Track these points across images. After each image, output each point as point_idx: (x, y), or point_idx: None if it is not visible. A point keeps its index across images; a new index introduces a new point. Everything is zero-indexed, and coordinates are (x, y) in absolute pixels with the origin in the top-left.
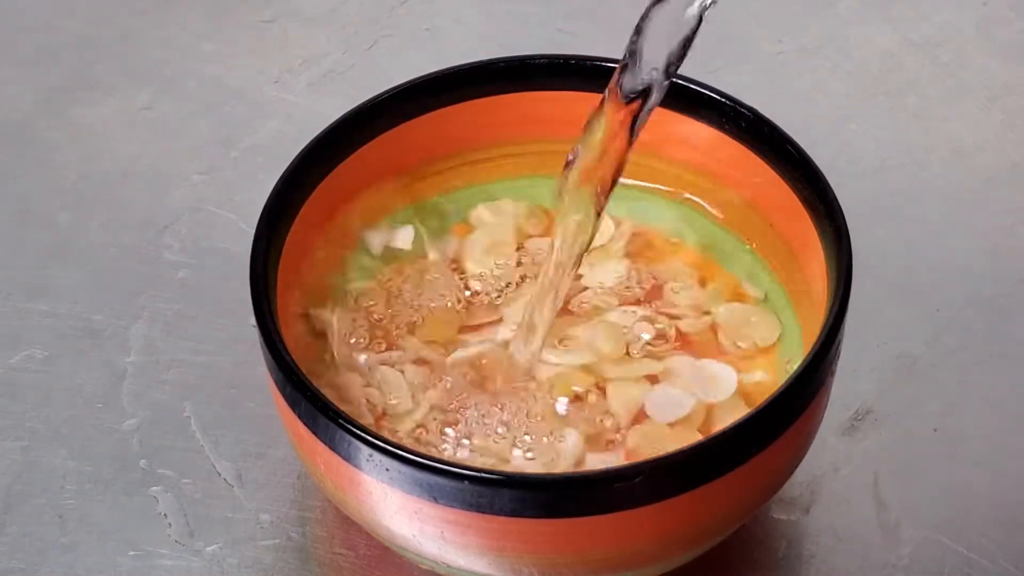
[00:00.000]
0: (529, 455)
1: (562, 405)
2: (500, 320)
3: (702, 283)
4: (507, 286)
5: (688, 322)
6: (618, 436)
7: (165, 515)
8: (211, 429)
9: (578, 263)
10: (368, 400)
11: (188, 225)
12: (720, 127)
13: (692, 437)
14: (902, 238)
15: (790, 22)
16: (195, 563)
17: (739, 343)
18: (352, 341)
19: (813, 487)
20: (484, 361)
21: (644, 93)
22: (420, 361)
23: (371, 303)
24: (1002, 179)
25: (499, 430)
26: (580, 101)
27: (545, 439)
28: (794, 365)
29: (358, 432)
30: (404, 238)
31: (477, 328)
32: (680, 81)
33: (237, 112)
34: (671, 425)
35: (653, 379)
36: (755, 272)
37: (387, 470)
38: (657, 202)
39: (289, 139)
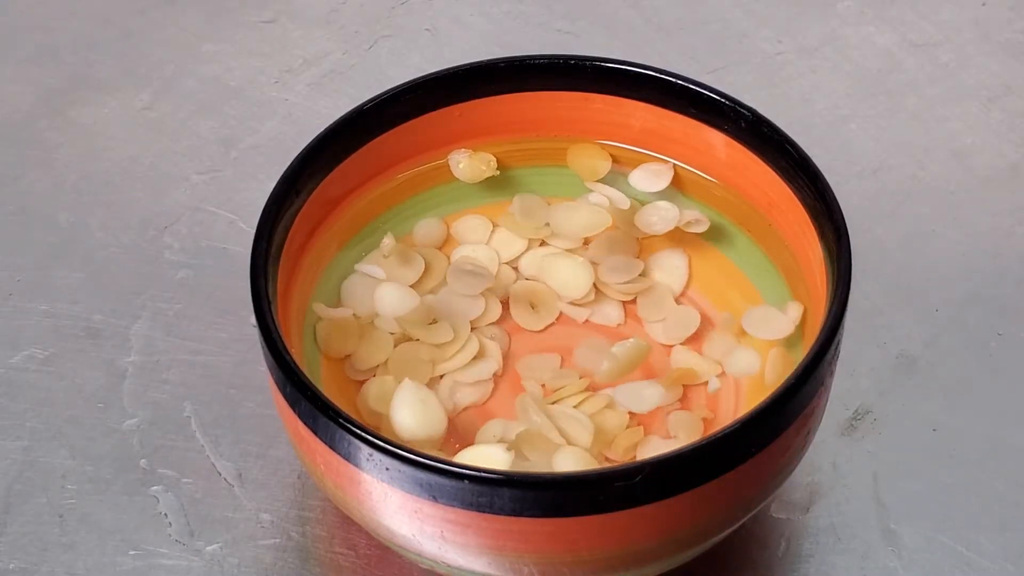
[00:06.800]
0: None
1: None
2: None
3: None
4: None
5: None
6: None
7: (165, 515)
8: (211, 429)
9: None
10: None
11: (188, 225)
12: (720, 127)
13: None
14: (902, 238)
15: (790, 22)
16: (195, 563)
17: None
18: None
19: (813, 487)
20: None
21: None
22: None
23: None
24: (1002, 179)
25: None
26: (580, 101)
27: None
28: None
29: (358, 432)
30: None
31: None
32: (680, 81)
33: (237, 112)
34: None
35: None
36: (755, 272)
37: (387, 469)
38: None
39: (289, 139)
